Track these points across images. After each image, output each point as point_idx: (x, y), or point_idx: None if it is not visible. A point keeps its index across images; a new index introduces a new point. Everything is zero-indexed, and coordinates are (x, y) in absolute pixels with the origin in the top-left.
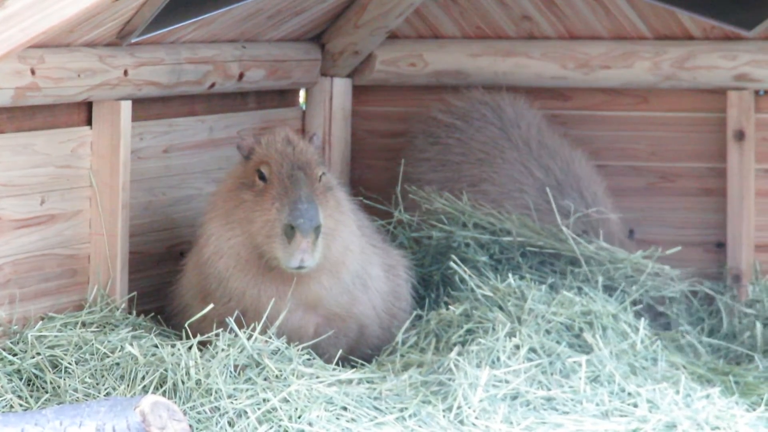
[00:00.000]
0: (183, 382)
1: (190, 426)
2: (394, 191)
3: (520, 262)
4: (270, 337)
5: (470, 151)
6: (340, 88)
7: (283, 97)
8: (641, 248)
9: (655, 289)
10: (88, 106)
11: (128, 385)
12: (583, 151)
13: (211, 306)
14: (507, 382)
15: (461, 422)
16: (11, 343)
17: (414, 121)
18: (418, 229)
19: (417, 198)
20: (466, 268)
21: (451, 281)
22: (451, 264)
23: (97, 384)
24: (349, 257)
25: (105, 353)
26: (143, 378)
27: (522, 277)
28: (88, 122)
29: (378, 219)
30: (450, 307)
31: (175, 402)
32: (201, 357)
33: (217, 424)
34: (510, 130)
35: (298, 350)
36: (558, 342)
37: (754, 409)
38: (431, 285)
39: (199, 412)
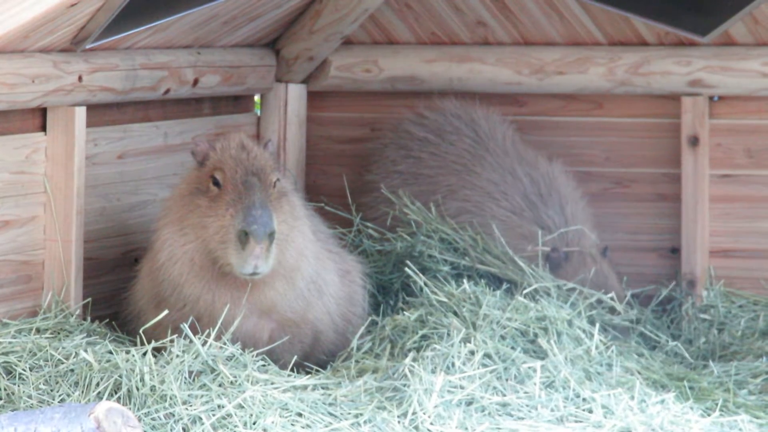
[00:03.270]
0: (137, 389)
1: None
2: (359, 199)
3: (477, 280)
4: (225, 343)
5: (445, 164)
6: (295, 93)
7: (238, 102)
8: (613, 264)
9: (605, 319)
10: (43, 112)
11: (83, 392)
12: (562, 163)
13: (165, 312)
14: (462, 387)
15: (416, 428)
16: None
17: (384, 131)
18: (382, 239)
19: (394, 200)
20: (421, 274)
21: (411, 289)
22: (406, 270)
23: (52, 390)
24: (303, 263)
25: (59, 359)
26: (98, 384)
27: (477, 283)
28: (43, 128)
29: (338, 226)
30: (405, 312)
31: (130, 408)
32: (156, 363)
33: (171, 430)
34: (487, 141)
35: (252, 356)
36: (513, 347)
37: (709, 415)
38: (391, 292)
39: (153, 419)
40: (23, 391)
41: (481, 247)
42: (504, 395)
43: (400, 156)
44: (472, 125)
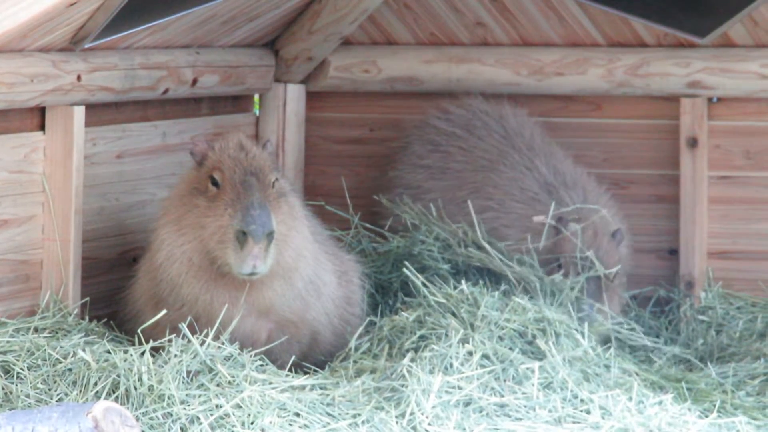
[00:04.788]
0: (135, 388)
1: None
2: (378, 197)
3: (474, 279)
4: (223, 343)
5: (473, 159)
6: (294, 94)
7: (237, 102)
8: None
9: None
10: (41, 111)
11: (80, 391)
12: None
13: (163, 312)
14: (460, 388)
15: (414, 428)
16: None
17: (408, 127)
18: (380, 239)
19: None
20: (418, 274)
21: (410, 289)
22: (404, 270)
23: (50, 390)
24: (301, 263)
25: (57, 359)
26: (96, 384)
27: (475, 284)
28: (41, 127)
29: (336, 228)
30: (403, 313)
31: (128, 408)
32: (154, 363)
33: (169, 430)
34: (514, 138)
35: (250, 356)
36: (511, 348)
37: (707, 416)
38: (390, 292)
39: (151, 418)
40: (21, 391)
41: (470, 241)
42: (502, 396)
43: (426, 150)
44: (500, 121)
